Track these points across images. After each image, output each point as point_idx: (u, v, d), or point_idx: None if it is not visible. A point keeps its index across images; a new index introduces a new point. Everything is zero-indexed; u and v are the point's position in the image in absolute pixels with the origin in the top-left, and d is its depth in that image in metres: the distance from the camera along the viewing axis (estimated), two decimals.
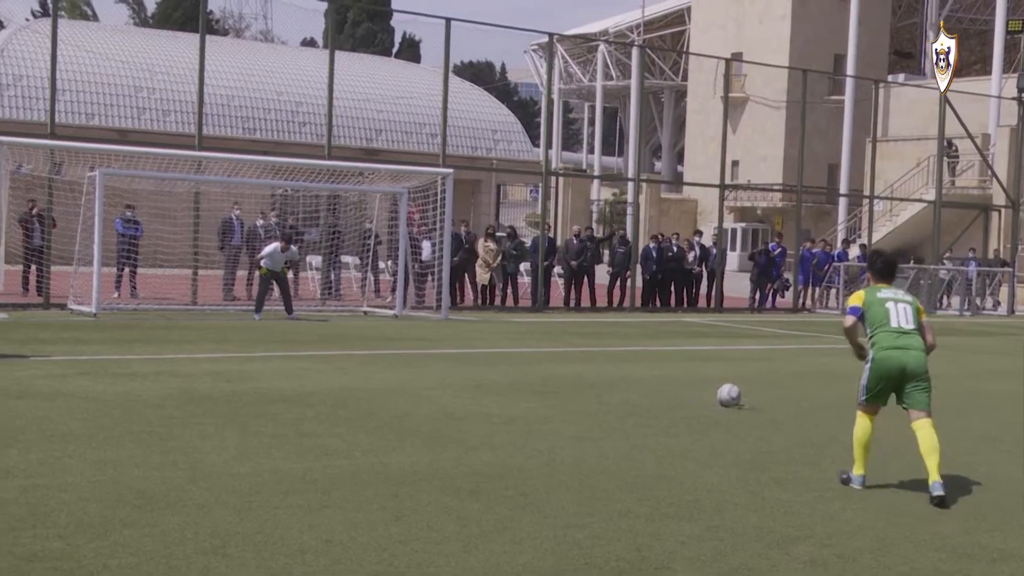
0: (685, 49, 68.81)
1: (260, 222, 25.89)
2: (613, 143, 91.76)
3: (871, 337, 8.40)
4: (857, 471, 8.43)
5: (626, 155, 78.63)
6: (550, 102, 32.43)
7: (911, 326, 8.31)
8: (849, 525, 7.42)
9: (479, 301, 26.65)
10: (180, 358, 14.79)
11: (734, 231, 58.05)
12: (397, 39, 76.19)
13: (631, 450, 9.68)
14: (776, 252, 31.23)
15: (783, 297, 31.97)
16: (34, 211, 23.24)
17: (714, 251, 30.48)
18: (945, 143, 35.88)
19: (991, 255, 38.33)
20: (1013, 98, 40.42)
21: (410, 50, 72.25)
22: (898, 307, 8.37)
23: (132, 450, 8.73)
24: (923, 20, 60.82)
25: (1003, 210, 39.94)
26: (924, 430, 8.18)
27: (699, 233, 31.49)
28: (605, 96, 77.82)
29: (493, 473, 8.47)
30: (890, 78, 53.17)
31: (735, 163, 58.00)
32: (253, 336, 17.98)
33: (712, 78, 55.84)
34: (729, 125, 37.48)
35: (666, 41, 74.36)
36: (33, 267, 23.05)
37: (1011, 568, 6.64)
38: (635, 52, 60.36)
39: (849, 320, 8.54)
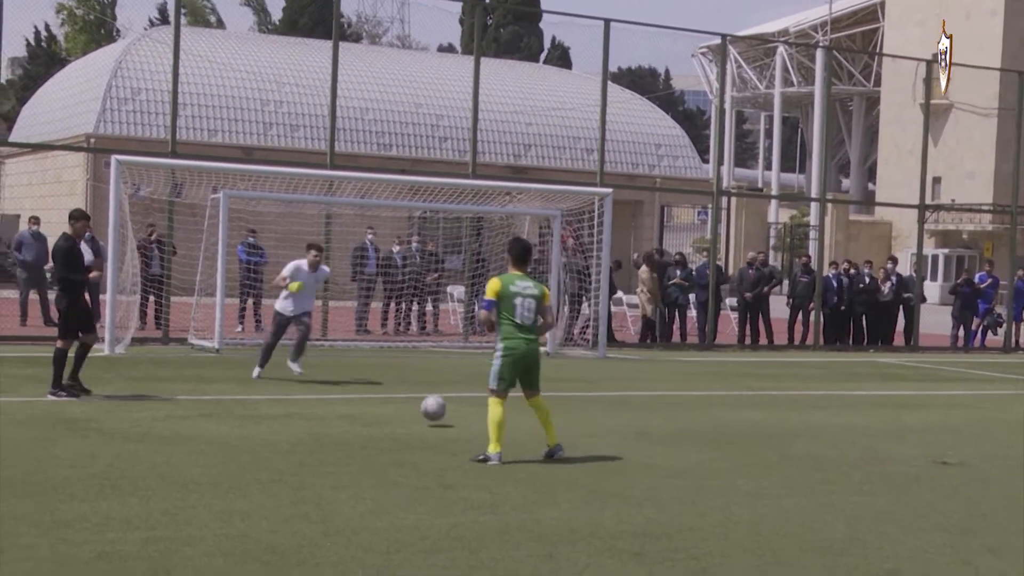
0: (878, 50, 67.84)
1: (396, 248, 26.33)
2: (794, 158, 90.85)
3: (500, 326, 11.04)
4: (494, 449, 10.83)
5: (808, 172, 77.75)
6: (722, 112, 32.28)
7: (530, 321, 11.03)
8: None
9: (643, 337, 26.61)
10: (310, 399, 15.11)
11: (935, 258, 56.88)
12: (546, 43, 76.92)
13: (817, 509, 9.56)
14: (985, 283, 30.45)
15: (996, 335, 31.13)
16: (153, 237, 24.00)
17: (913, 281, 29.93)
18: None
19: None
20: None
21: (560, 58, 72.85)
22: (524, 302, 11.01)
23: (260, 500, 8.96)
24: None
25: None
26: (538, 404, 11.21)
27: (893, 260, 30.90)
28: (785, 104, 77.22)
29: (659, 533, 8.46)
30: None
31: (937, 180, 56.88)
32: (390, 375, 18.26)
33: (910, 83, 54.90)
34: (930, 136, 36.75)
35: (856, 41, 73.48)
36: (151, 298, 23.81)
37: None
38: (819, 54, 59.84)
39: (483, 314, 11.30)
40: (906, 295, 29.34)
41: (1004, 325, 30.94)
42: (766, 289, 27.45)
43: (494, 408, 10.93)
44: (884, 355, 27.11)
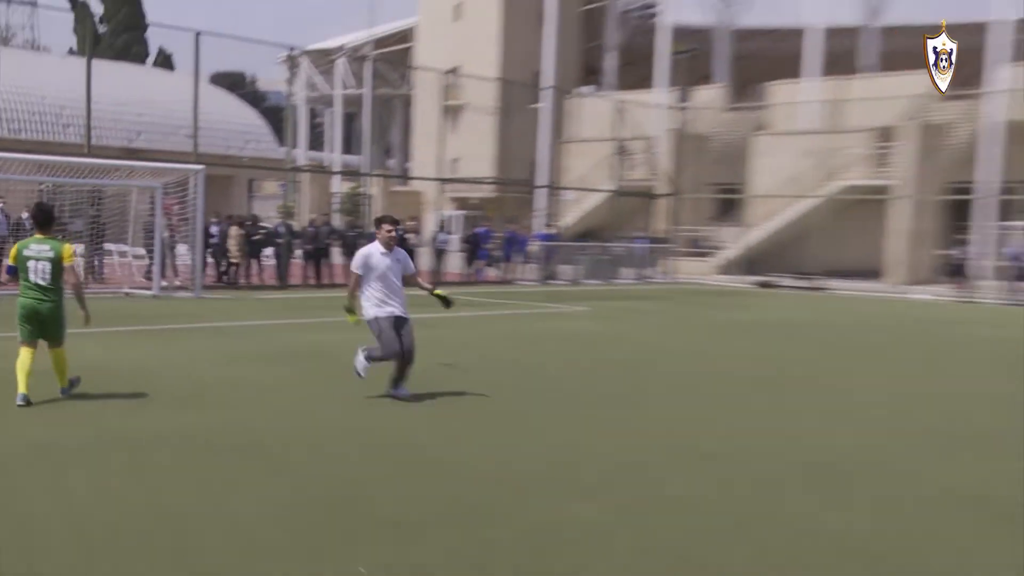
0: (412, 63, 68.69)
1: (26, 215, 24.18)
2: (353, 143, 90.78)
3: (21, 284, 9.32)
4: (21, 390, 9.03)
5: (363, 154, 77.80)
6: (293, 107, 31.85)
7: (45, 282, 9.21)
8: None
9: (228, 279, 25.97)
10: None
11: (456, 218, 58.44)
12: (154, 51, 72.99)
13: (356, 406, 9.58)
14: (485, 235, 31.92)
15: (499, 271, 32.68)
16: None
17: (441, 235, 31.05)
18: (620, 144, 37.29)
19: (656, 234, 40.47)
20: (672, 107, 42.62)
21: (165, 63, 69.28)
22: (38, 265, 9.18)
23: None
24: (604, 43, 62.79)
25: (665, 198, 42.40)
26: (55, 356, 9.41)
27: (414, 219, 31.77)
28: (345, 103, 76.69)
29: (233, 432, 8.20)
30: (578, 90, 54.67)
31: (455, 160, 58.38)
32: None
33: (436, 87, 55.96)
34: (450, 127, 37.66)
35: (397, 54, 73.96)
36: None
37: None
38: (367, 65, 59.81)
39: (4, 278, 9.50)
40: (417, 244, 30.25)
41: (499, 264, 32.42)
42: (327, 242, 27.46)
43: (20, 355, 9.25)
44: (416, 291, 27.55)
